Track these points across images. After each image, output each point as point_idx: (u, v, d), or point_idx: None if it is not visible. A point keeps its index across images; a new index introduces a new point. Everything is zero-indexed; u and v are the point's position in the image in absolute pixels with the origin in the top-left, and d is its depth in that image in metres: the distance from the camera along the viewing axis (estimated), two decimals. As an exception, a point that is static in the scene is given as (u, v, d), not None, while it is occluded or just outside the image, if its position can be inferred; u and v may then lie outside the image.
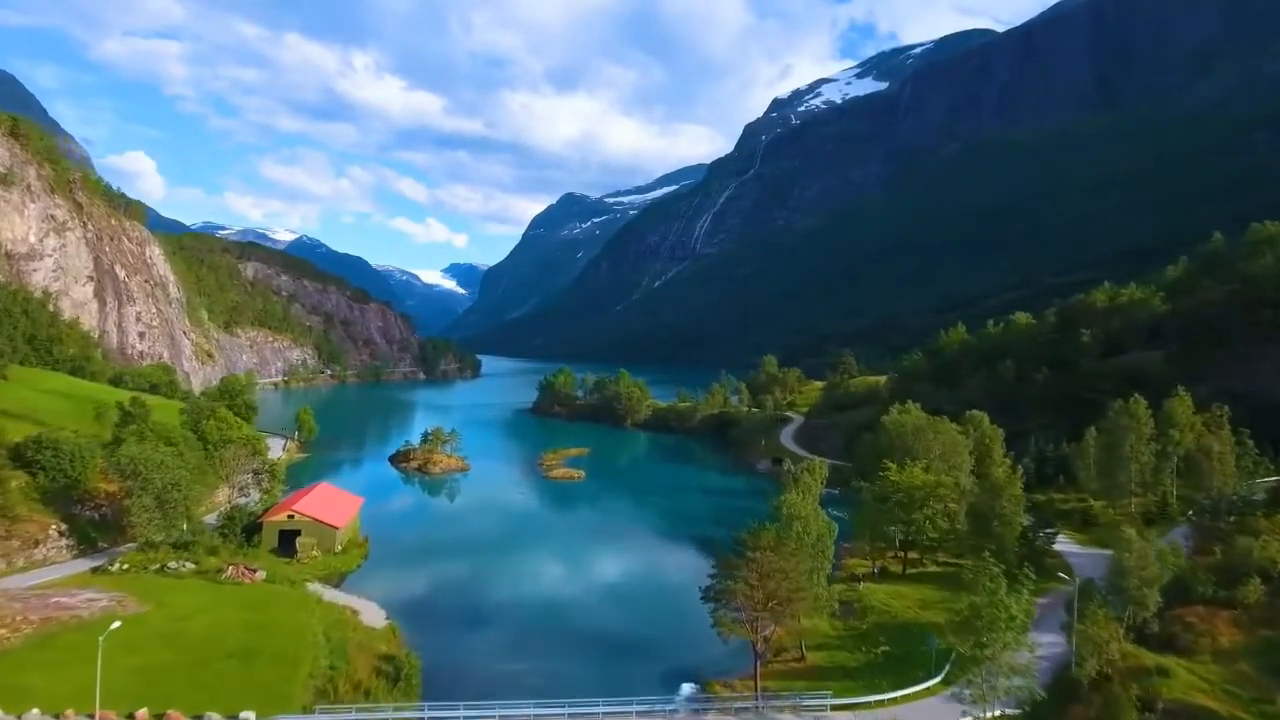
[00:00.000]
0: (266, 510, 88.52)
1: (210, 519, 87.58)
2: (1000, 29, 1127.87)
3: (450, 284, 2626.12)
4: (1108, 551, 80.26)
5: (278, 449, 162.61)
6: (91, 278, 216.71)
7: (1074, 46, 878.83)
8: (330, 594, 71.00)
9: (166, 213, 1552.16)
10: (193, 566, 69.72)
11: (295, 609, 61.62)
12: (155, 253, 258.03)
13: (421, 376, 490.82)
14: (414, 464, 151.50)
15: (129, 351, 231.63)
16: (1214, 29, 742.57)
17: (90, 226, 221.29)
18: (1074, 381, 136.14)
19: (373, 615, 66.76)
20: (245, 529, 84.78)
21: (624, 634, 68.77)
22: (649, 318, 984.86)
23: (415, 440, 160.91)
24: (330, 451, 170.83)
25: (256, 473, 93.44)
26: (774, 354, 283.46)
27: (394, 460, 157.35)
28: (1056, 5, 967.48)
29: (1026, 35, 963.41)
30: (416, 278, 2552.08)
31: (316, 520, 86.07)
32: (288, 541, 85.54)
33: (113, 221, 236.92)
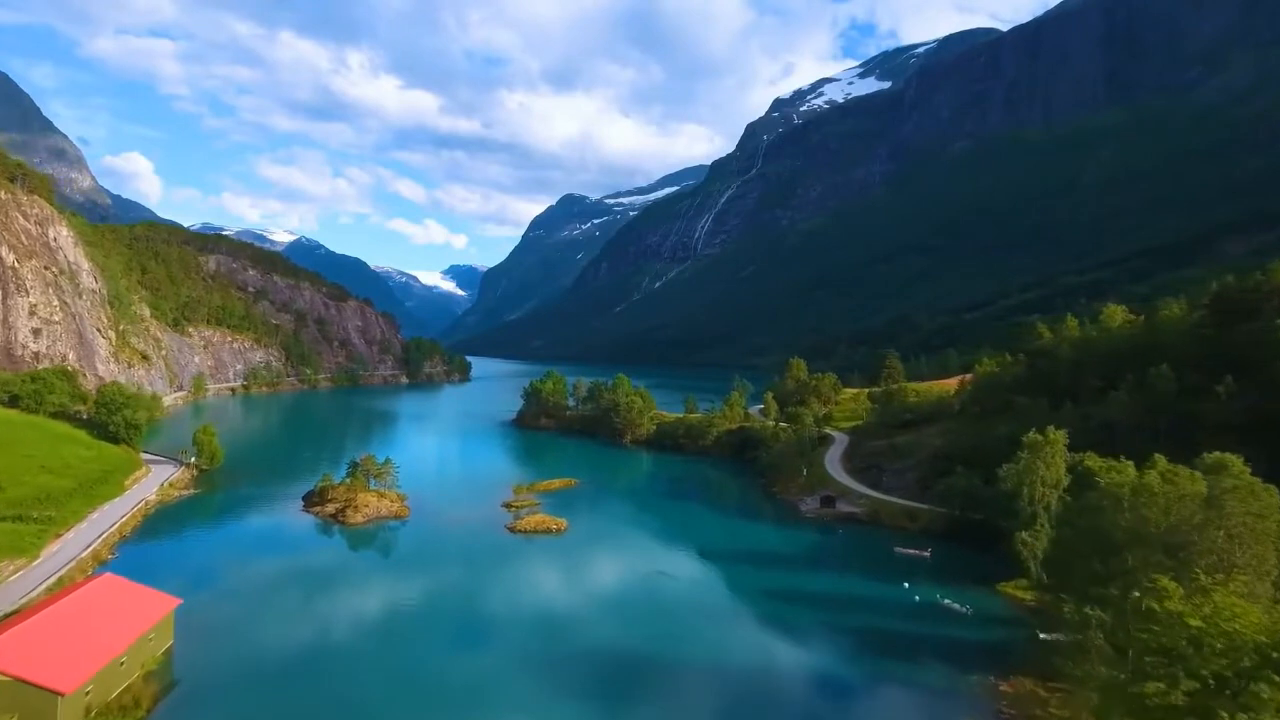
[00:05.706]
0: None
1: None
2: (1002, 28, 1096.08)
3: (449, 285, 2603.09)
4: None
5: (157, 482, 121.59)
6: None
7: (1084, 42, 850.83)
8: None
9: (164, 213, 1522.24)
10: None
11: None
12: (62, 234, 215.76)
13: (404, 380, 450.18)
14: (331, 508, 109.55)
15: (18, 352, 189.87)
16: (1228, 22, 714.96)
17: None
18: (1270, 395, 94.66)
19: None
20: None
21: None
22: (649, 319, 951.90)
23: (343, 472, 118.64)
24: (234, 484, 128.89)
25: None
26: (779, 356, 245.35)
27: (309, 501, 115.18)
28: (1064, 1, 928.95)
29: (1035, 31, 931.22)
30: (415, 279, 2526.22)
31: (18, 679, 44.29)
32: (-33, 717, 44.12)
33: (1, 194, 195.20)
